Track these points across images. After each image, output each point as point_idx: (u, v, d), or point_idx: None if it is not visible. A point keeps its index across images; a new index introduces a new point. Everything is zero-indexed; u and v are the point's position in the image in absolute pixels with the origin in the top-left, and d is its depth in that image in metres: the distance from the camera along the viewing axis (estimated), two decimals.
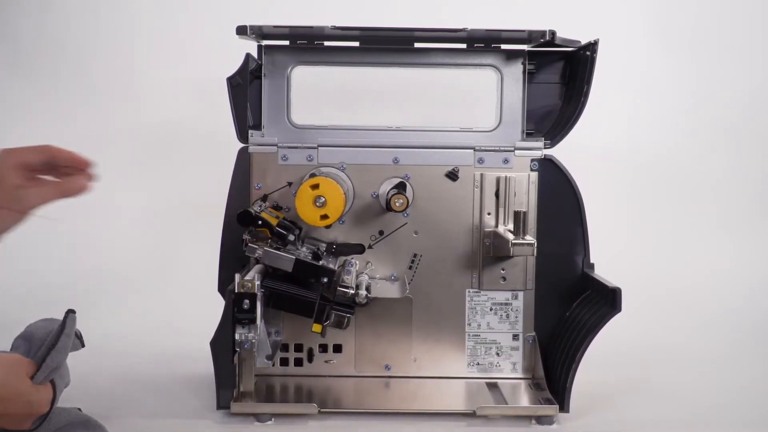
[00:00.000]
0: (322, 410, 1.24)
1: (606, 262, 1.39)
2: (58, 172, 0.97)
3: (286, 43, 1.35)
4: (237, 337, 1.21)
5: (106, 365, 1.49)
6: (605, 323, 1.23)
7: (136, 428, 1.21)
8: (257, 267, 1.27)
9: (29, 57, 1.91)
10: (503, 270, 1.37)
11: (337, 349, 1.38)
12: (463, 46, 1.36)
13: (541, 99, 1.38)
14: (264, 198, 1.35)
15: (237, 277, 1.20)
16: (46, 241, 1.81)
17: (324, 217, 1.24)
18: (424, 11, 1.86)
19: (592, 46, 1.28)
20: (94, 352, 1.52)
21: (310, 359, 1.38)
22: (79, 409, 1.09)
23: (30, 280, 1.83)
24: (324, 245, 1.34)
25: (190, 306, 1.68)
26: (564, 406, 1.25)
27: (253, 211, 1.24)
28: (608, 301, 1.22)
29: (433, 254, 1.37)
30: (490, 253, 1.36)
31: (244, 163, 1.36)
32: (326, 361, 1.38)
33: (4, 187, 0.93)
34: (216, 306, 1.27)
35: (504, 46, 1.36)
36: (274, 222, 1.25)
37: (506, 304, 1.38)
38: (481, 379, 1.38)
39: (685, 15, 1.91)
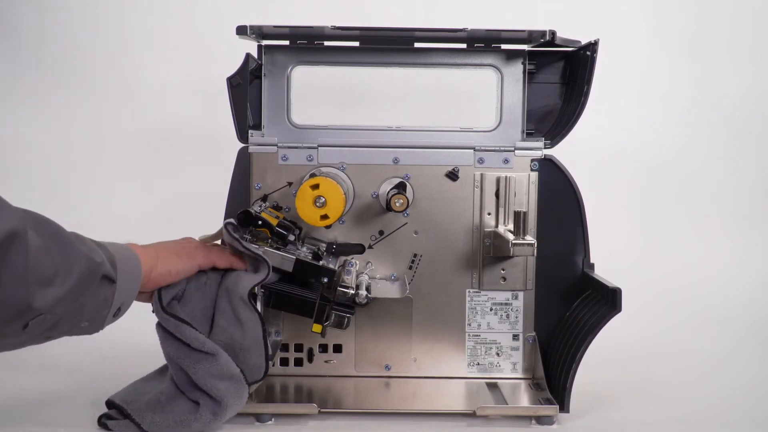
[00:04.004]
0: (322, 410, 1.24)
1: (606, 262, 1.39)
2: None
3: (286, 43, 1.35)
4: None
5: (106, 365, 1.49)
6: (605, 323, 1.22)
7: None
8: None
9: (29, 56, 1.91)
10: (503, 270, 1.37)
11: (337, 349, 1.38)
12: (463, 46, 1.36)
13: (541, 99, 1.38)
14: (264, 198, 1.35)
15: None
16: None
17: (324, 217, 1.24)
18: (424, 11, 1.86)
19: (592, 46, 1.28)
20: (95, 352, 1.53)
21: (310, 359, 1.38)
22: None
23: None
24: (324, 245, 1.34)
25: None
26: (564, 406, 1.25)
27: (253, 211, 1.24)
28: (608, 301, 1.22)
29: (433, 254, 1.37)
30: (490, 253, 1.36)
31: (244, 163, 1.36)
32: (326, 361, 1.38)
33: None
34: None
35: (504, 46, 1.36)
36: (274, 222, 1.25)
37: (506, 304, 1.38)
38: (481, 379, 1.38)
39: (686, 15, 1.91)
